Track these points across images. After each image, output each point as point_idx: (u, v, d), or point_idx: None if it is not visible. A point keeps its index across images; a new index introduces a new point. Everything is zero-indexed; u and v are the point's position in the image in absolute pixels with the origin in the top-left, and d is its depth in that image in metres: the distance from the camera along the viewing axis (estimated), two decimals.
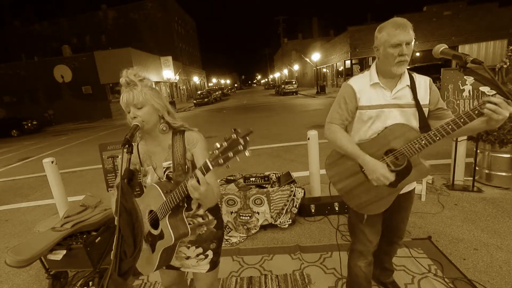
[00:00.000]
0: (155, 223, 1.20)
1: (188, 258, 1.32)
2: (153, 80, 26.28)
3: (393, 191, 1.38)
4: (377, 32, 1.34)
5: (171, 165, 1.20)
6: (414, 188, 1.60)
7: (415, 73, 1.41)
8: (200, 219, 1.30)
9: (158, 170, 1.25)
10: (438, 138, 1.20)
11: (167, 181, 1.21)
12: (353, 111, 1.44)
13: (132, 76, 1.14)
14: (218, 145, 0.93)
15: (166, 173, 1.23)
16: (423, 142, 1.23)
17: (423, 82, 1.40)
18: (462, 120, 1.11)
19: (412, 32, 1.25)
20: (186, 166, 1.20)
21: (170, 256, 1.25)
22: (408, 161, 1.32)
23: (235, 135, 0.90)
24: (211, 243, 1.32)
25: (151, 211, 1.20)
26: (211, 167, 0.96)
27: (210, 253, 1.32)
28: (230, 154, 0.90)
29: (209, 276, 1.35)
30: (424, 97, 1.38)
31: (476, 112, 1.08)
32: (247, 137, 0.90)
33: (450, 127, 1.15)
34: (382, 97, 1.39)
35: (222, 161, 0.92)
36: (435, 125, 1.37)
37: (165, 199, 1.11)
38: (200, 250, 1.31)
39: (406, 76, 1.38)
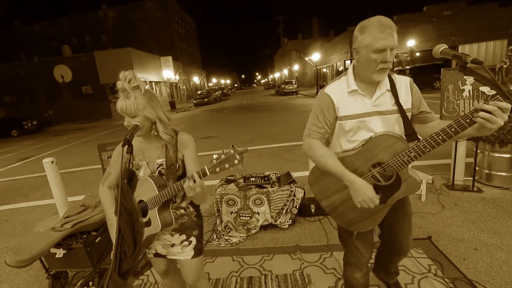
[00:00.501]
0: (142, 212, 1.30)
1: (173, 245, 1.41)
2: (153, 80, 26.27)
3: (383, 208, 1.30)
4: (359, 32, 1.19)
5: (164, 162, 1.32)
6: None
7: (394, 74, 1.30)
8: (182, 211, 1.41)
9: (150, 165, 1.35)
10: (428, 150, 1.12)
11: (159, 176, 1.32)
12: (332, 123, 1.32)
13: (126, 84, 1.20)
14: (217, 156, 1.11)
15: (158, 169, 1.34)
16: (412, 154, 1.15)
17: (403, 83, 1.29)
18: (453, 129, 1.05)
19: (396, 35, 1.14)
20: (177, 165, 1.32)
21: (152, 240, 1.35)
22: (397, 175, 1.23)
23: (233, 151, 1.08)
24: (193, 230, 1.43)
25: (140, 201, 1.31)
26: (208, 173, 1.13)
27: (193, 239, 1.42)
28: (226, 165, 1.09)
29: (194, 262, 1.43)
30: (406, 101, 1.27)
31: (468, 121, 1.01)
32: (243, 154, 1.09)
33: (440, 137, 1.08)
34: (362, 105, 1.27)
35: (218, 169, 1.10)
36: (419, 130, 1.31)
37: (158, 192, 1.24)
38: (184, 237, 1.41)
39: (386, 79, 1.27)
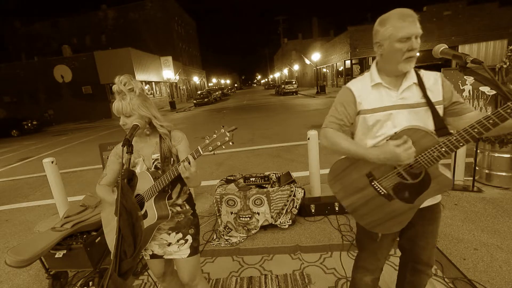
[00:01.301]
0: (139, 205, 1.31)
1: (169, 244, 1.43)
2: (153, 80, 26.27)
3: (410, 208, 1.19)
4: (379, 25, 1.16)
5: (159, 156, 1.39)
6: (439, 202, 1.31)
7: (422, 70, 1.24)
8: (178, 208, 1.44)
9: (146, 161, 1.41)
10: (461, 144, 1.01)
11: (155, 170, 1.38)
12: (353, 116, 1.27)
13: (122, 86, 1.28)
14: (208, 136, 1.18)
15: (154, 163, 1.40)
16: (443, 149, 1.05)
17: (432, 77, 1.21)
18: (491, 121, 0.93)
19: (418, 24, 1.09)
20: (172, 159, 1.40)
21: (149, 237, 1.36)
22: (426, 173, 1.12)
23: (223, 130, 1.15)
24: (189, 229, 1.46)
25: (137, 195, 1.34)
26: (201, 152, 1.19)
27: (189, 238, 1.45)
28: (218, 143, 1.16)
29: (190, 261, 1.45)
30: (436, 93, 1.19)
31: (509, 111, 0.90)
32: (232, 132, 1.16)
33: (476, 130, 0.96)
34: (387, 98, 1.21)
35: (211, 148, 1.17)
36: (453, 123, 1.22)
37: (154, 182, 1.29)
38: (180, 235, 1.44)
39: (412, 72, 1.21)
